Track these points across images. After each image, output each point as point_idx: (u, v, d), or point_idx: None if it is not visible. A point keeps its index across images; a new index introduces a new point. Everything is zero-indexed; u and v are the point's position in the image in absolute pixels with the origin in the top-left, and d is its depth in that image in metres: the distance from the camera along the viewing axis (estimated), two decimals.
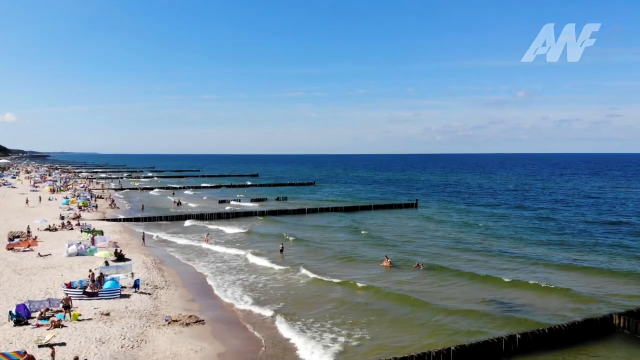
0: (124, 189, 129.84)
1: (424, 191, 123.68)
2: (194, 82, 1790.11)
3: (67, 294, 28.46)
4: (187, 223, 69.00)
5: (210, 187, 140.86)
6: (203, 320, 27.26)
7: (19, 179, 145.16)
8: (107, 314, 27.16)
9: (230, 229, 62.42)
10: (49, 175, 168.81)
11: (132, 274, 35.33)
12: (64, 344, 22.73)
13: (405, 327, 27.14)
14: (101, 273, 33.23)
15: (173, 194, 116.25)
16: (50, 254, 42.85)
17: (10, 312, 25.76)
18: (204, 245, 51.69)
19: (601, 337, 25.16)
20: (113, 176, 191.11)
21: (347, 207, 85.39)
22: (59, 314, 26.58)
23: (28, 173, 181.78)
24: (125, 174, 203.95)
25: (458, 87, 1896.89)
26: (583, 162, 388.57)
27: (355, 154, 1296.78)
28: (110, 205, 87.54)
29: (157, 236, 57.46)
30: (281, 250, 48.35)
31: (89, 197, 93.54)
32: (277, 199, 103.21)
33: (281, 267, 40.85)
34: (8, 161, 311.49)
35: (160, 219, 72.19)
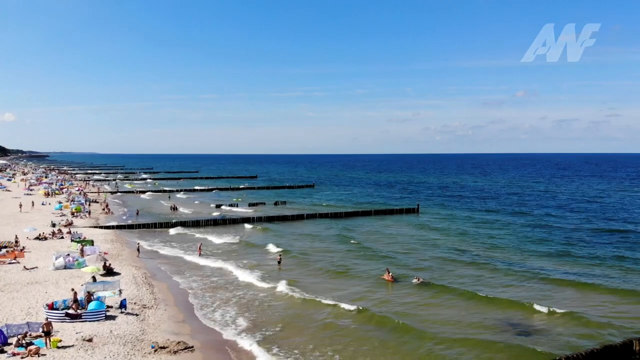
0: (120, 192, 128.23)
1: (425, 194, 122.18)
2: (193, 82, 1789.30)
3: (47, 319, 26.69)
4: (179, 230, 67.33)
5: (208, 189, 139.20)
6: (193, 347, 25.52)
7: (14, 182, 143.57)
8: (90, 340, 25.42)
9: (224, 239, 60.36)
10: (45, 177, 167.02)
11: (119, 291, 33.66)
12: None
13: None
14: (88, 292, 31.51)
15: (169, 197, 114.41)
16: (36, 267, 41.24)
17: None
18: (197, 257, 49.81)
19: None
20: (109, 178, 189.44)
21: (347, 213, 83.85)
22: (39, 339, 24.91)
23: (25, 175, 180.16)
24: (120, 176, 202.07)
25: (457, 87, 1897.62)
26: (583, 162, 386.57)
27: (354, 153, 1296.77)
28: (104, 210, 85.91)
29: (150, 245, 55.71)
30: (279, 262, 46.74)
31: (83, 201, 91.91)
32: (276, 204, 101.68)
33: (274, 285, 38.70)
34: (6, 162, 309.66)
35: (155, 225, 70.48)
